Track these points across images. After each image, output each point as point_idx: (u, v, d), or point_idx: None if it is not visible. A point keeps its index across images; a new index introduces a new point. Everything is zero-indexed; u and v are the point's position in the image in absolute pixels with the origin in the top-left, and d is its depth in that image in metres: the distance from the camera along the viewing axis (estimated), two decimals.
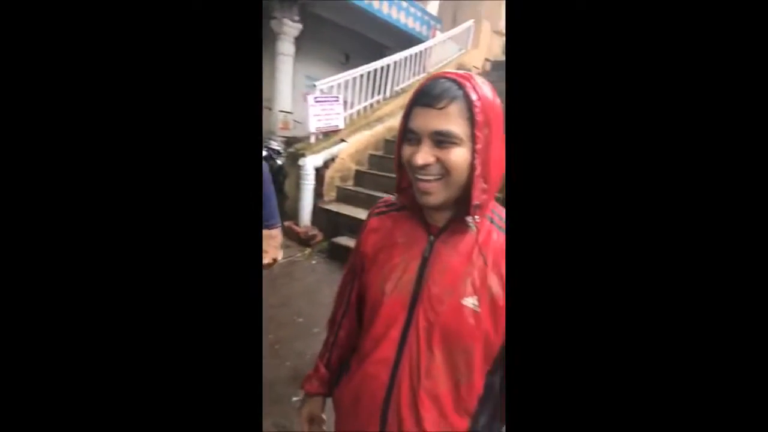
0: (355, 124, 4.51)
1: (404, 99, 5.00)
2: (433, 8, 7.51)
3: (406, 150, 0.56)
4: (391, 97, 4.92)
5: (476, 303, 0.56)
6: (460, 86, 0.53)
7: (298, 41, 5.61)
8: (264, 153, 5.18)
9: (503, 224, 0.60)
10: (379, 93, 4.79)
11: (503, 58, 6.85)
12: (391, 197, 0.71)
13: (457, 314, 0.56)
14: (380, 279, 0.63)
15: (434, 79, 0.55)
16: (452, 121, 0.52)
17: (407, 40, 6.29)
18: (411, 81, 5.20)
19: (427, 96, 0.53)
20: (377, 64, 4.63)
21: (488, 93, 0.54)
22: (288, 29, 5.35)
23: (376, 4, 5.84)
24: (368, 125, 4.56)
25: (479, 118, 0.53)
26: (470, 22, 6.21)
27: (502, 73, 6.63)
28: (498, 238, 0.59)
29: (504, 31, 7.18)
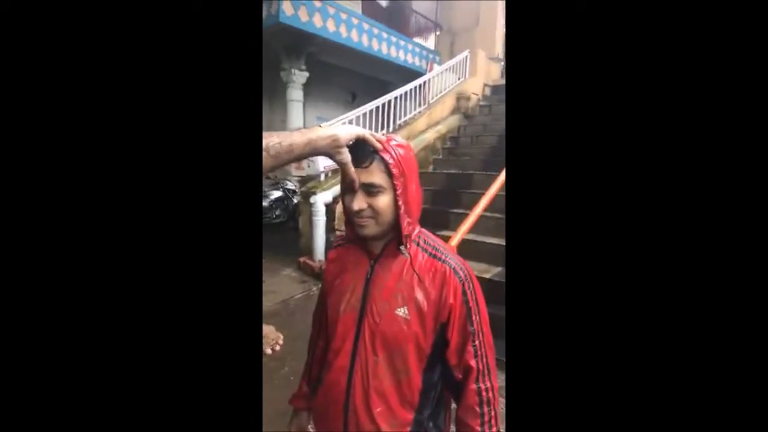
0: None
1: (408, 131, 5.25)
2: (431, 43, 7.91)
3: (347, 198, 0.72)
4: (395, 130, 5.17)
5: (406, 312, 0.69)
6: (378, 150, 0.69)
7: (307, 87, 6.04)
8: (279, 194, 5.50)
9: (427, 246, 0.74)
10: (383, 127, 5.06)
11: (501, 82, 7.07)
12: (344, 233, 0.86)
13: (392, 322, 0.69)
14: (337, 300, 0.77)
15: (357, 144, 0.71)
16: (375, 175, 0.68)
17: (409, 74, 6.64)
18: (413, 113, 5.46)
19: (355, 159, 0.70)
20: (380, 100, 4.92)
21: (401, 151, 0.70)
22: (296, 78, 5.79)
23: (375, 46, 6.25)
24: None
25: (395, 171, 0.68)
26: (465, 53, 6.50)
27: (501, 96, 6.70)
28: (423, 258, 0.72)
29: (500, 56, 7.44)
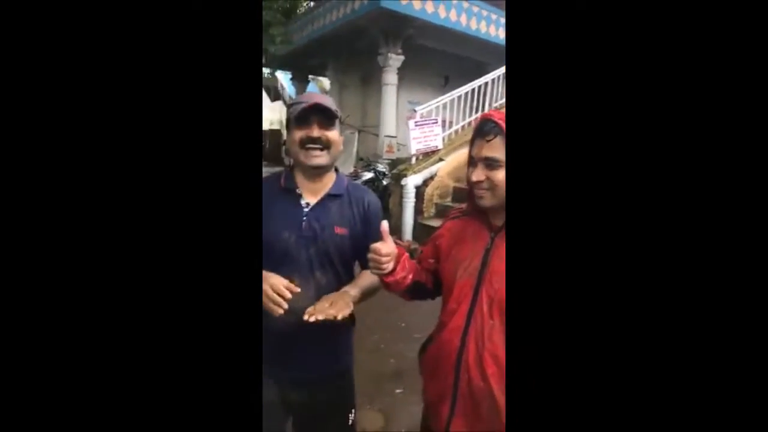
0: (454, 143, 4.70)
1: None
2: None
3: (469, 170, 0.77)
4: None
5: None
6: (501, 126, 0.71)
7: (401, 71, 6.12)
8: (371, 175, 5.74)
9: None
10: (477, 111, 4.92)
11: None
12: (463, 206, 0.90)
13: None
14: (453, 267, 0.82)
15: (484, 120, 0.74)
16: (496, 149, 0.72)
17: None
18: None
19: (480, 132, 0.74)
20: (474, 83, 4.78)
21: None
22: (392, 62, 5.89)
23: (474, 26, 6.04)
24: (467, 143, 4.68)
25: None
26: None
27: None
28: None
29: None
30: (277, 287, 0.81)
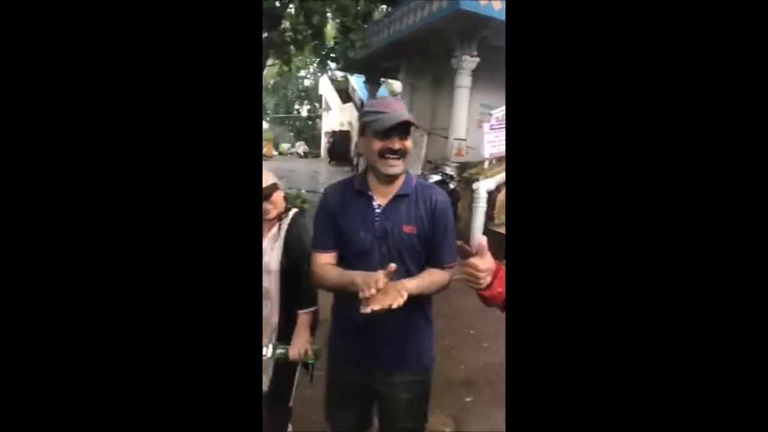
0: None
1: None
2: None
3: None
4: None
5: None
6: None
7: (475, 73, 6.01)
8: (438, 177, 5.72)
9: None
10: None
11: None
12: None
13: None
14: None
15: None
16: None
17: None
18: None
19: None
20: None
21: None
22: (467, 64, 5.81)
23: None
24: None
25: None
26: None
27: None
28: None
29: None
30: (377, 276, 0.85)
